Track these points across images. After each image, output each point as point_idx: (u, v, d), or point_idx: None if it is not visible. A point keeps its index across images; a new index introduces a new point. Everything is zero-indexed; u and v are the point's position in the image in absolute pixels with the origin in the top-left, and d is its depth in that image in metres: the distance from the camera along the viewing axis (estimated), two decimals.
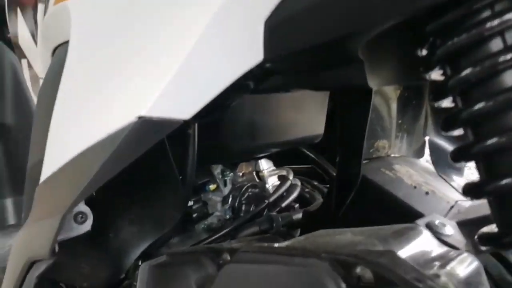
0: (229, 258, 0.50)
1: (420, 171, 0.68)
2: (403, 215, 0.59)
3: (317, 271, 0.37)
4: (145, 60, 0.43)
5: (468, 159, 0.35)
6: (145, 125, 0.42)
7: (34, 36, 0.63)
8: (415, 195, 0.61)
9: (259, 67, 0.41)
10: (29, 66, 0.73)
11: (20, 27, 0.64)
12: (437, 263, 0.43)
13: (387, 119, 0.69)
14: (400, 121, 0.70)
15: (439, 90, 0.37)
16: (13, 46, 0.80)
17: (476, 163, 0.35)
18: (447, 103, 0.38)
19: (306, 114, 0.85)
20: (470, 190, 0.38)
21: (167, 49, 0.41)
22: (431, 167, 0.72)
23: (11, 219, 1.50)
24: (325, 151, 1.33)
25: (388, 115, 0.69)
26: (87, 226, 0.56)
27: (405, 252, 0.43)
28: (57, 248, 0.55)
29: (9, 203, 1.54)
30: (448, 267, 0.42)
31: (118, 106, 0.45)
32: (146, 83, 0.43)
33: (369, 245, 0.43)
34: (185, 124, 0.48)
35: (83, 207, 0.57)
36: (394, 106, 0.69)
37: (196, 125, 0.65)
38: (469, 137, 0.34)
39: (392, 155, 0.70)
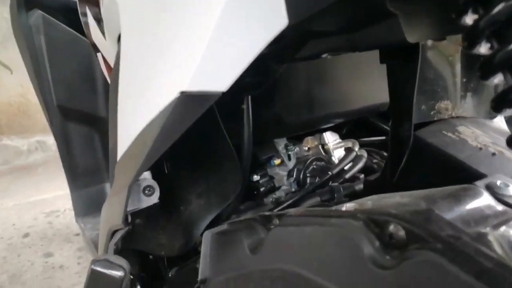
0: (277, 222, 0.51)
1: (490, 131, 0.63)
2: (465, 178, 0.56)
3: (351, 230, 0.37)
4: (181, 40, 0.46)
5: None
6: (187, 99, 0.45)
7: (103, 32, 0.69)
8: (480, 156, 0.56)
9: (287, 31, 0.42)
10: (104, 60, 0.82)
11: (92, 27, 0.72)
12: (490, 223, 0.40)
13: (449, 78, 0.64)
14: (465, 79, 0.65)
15: (487, 66, 0.33)
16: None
17: None
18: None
19: (368, 80, 0.82)
20: None
21: (198, 26, 0.44)
22: (505, 127, 0.66)
23: None
24: None
25: (450, 73, 0.64)
26: (154, 198, 0.62)
27: (452, 211, 0.41)
28: (129, 218, 0.62)
29: (108, 187, 1.72)
30: (503, 228, 0.39)
31: (164, 85, 0.49)
32: (184, 61, 0.45)
33: (414, 206, 0.42)
34: (230, 99, 0.50)
35: (150, 181, 0.63)
36: (456, 62, 0.64)
37: (250, 99, 0.67)
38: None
39: (457, 116, 0.66)
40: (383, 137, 1.25)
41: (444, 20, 0.39)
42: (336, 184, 0.78)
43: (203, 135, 0.67)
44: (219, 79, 0.46)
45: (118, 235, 0.63)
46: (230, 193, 0.70)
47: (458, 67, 0.65)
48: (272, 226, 0.52)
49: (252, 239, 0.53)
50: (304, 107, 0.76)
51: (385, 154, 0.99)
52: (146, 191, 0.61)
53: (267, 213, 0.54)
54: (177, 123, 0.48)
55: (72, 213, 1.65)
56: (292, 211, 0.49)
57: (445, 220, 0.35)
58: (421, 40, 0.42)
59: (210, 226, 0.74)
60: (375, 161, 0.94)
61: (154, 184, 0.62)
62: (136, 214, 0.62)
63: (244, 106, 0.67)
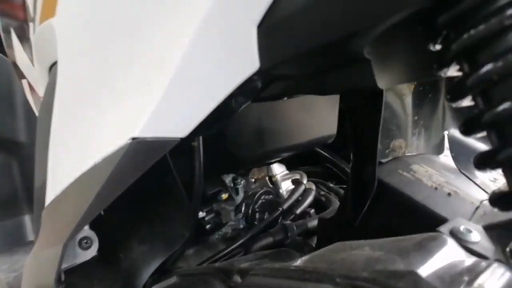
0: (239, 280, 0.47)
1: (441, 169, 0.63)
2: (424, 220, 0.55)
3: None
4: (134, 77, 0.40)
5: (494, 167, 0.31)
6: (139, 146, 0.39)
7: (30, 56, 0.61)
8: (436, 197, 0.57)
9: (257, 75, 0.38)
10: (30, 87, 0.72)
11: (16, 48, 0.63)
12: (466, 278, 0.39)
13: (402, 116, 0.64)
14: (416, 117, 0.66)
15: (457, 89, 0.33)
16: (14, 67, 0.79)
17: (504, 171, 0.31)
18: (466, 102, 0.34)
19: (316, 114, 0.81)
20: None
21: (156, 63, 0.39)
22: (451, 163, 0.68)
23: (30, 236, 1.51)
24: (340, 150, 1.29)
25: (403, 112, 0.65)
26: (92, 251, 0.54)
27: (428, 268, 0.39)
28: (63, 277, 0.53)
29: (27, 220, 1.54)
30: (478, 282, 0.38)
31: (111, 128, 0.42)
32: (137, 102, 0.40)
33: (389, 262, 0.39)
34: (183, 142, 0.45)
35: (87, 231, 0.55)
36: (408, 102, 0.65)
37: (201, 137, 0.62)
38: (494, 142, 0.30)
39: (409, 154, 0.66)
40: (324, 166, 1.26)
41: (420, 69, 0.38)
42: (288, 222, 0.75)
43: (149, 172, 0.61)
44: (179, 124, 0.40)
45: None
46: (178, 237, 0.64)
47: (409, 106, 0.66)
48: (232, 284, 0.47)
49: None
50: (256, 141, 0.73)
51: (331, 185, 0.99)
52: (83, 244, 0.53)
53: (225, 266, 0.49)
54: (127, 172, 0.42)
55: None
56: (255, 267, 0.44)
57: (431, 285, 0.32)
58: (391, 85, 0.41)
59: (153, 274, 0.67)
60: (322, 193, 0.93)
61: (92, 235, 0.54)
62: (70, 270, 0.54)
63: (195, 144, 0.62)
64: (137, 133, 0.39)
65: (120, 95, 0.43)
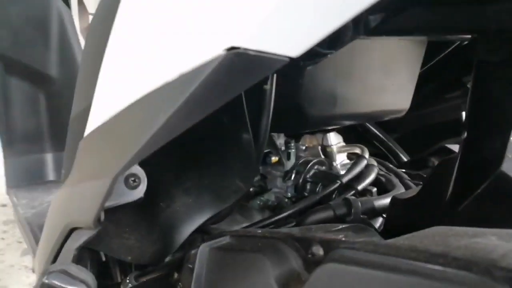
0: (322, 253, 0.38)
1: None
2: None
3: None
4: None
5: None
6: (238, 60, 0.29)
7: None
8: None
9: None
10: (79, 3, 0.63)
11: None
12: None
13: None
14: None
15: None
16: None
17: None
18: None
19: (396, 81, 0.70)
20: None
21: None
22: None
23: (51, 175, 1.45)
24: (393, 130, 1.18)
25: None
26: (139, 192, 0.46)
27: None
28: (102, 217, 0.45)
29: (49, 158, 1.49)
30: None
31: (202, 36, 0.33)
32: (246, 6, 0.30)
33: None
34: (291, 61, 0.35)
35: (136, 168, 0.46)
36: None
37: (275, 80, 0.52)
38: None
39: None
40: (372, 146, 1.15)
41: None
42: (352, 197, 0.65)
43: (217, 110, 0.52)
44: (291, 39, 0.31)
45: (81, 236, 0.46)
46: (232, 193, 0.56)
47: None
48: (310, 256, 0.38)
49: (281, 269, 0.38)
50: (328, 101, 0.63)
51: (390, 166, 0.89)
52: (130, 182, 0.45)
53: (302, 233, 0.40)
54: (214, 94, 0.32)
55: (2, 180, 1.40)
56: (345, 238, 0.35)
57: None
58: None
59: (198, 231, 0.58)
60: (381, 173, 0.83)
61: (141, 173, 0.46)
62: (109, 211, 0.45)
63: (267, 87, 0.52)
64: (237, 42, 0.29)
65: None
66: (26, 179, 1.40)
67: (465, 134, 0.44)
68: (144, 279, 0.66)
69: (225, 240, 0.48)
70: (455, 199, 0.46)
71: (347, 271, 0.32)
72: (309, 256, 0.38)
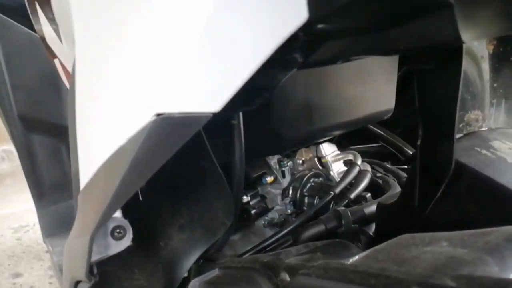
0: (288, 279, 0.40)
1: None
2: (510, 207, 0.45)
3: None
4: (154, 40, 0.33)
5: None
6: (165, 123, 0.32)
7: (58, 34, 0.57)
8: None
9: (304, 31, 0.30)
10: (63, 67, 0.69)
11: (43, 25, 0.59)
12: None
13: (478, 84, 0.54)
14: (495, 85, 0.55)
15: None
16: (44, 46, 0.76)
17: None
18: None
19: (372, 87, 0.71)
20: None
21: (180, 21, 0.32)
22: None
23: None
24: (396, 127, 1.17)
25: (479, 78, 0.54)
26: (126, 241, 0.49)
27: None
28: (95, 270, 0.49)
29: None
30: None
31: (135, 105, 0.36)
32: (162, 70, 0.33)
33: (479, 264, 0.31)
34: (218, 118, 0.38)
35: (120, 220, 0.50)
36: (486, 66, 0.54)
37: (241, 114, 0.55)
38: None
39: (487, 128, 0.56)
40: (376, 145, 1.15)
41: None
42: (342, 208, 0.67)
43: (184, 154, 0.55)
44: (211, 96, 0.34)
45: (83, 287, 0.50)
46: (220, 225, 0.58)
47: (487, 71, 0.55)
48: (279, 283, 0.40)
49: None
50: (303, 119, 0.65)
51: (388, 166, 0.89)
52: (115, 234, 0.49)
53: (272, 262, 0.43)
54: (153, 154, 0.36)
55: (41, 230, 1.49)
56: (307, 264, 0.37)
57: None
58: (478, 38, 0.32)
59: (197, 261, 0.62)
60: (379, 175, 0.84)
61: (126, 224, 0.50)
62: (103, 261, 0.49)
63: (235, 122, 0.55)
64: (161, 109, 0.33)
65: (141, 65, 0.36)
66: (59, 226, 1.48)
67: (419, 141, 0.45)
68: None
69: (214, 273, 0.51)
70: (423, 202, 0.47)
71: None
72: (279, 283, 0.40)
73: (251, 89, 0.40)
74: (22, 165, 1.47)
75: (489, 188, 0.46)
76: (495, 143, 0.52)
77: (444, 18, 0.30)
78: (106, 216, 0.41)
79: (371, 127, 1.07)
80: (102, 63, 0.41)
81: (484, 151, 0.51)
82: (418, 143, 0.46)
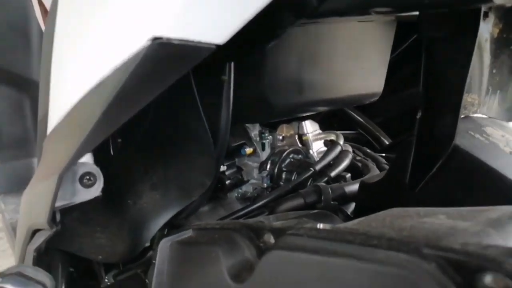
0: (272, 240, 0.37)
1: None
2: (501, 191, 0.45)
3: (418, 275, 0.24)
4: None
5: None
6: (162, 49, 0.29)
7: None
8: None
9: None
10: (39, 3, 0.62)
11: None
12: None
13: (477, 66, 0.53)
14: (494, 71, 0.54)
15: None
16: None
17: None
18: None
19: (365, 66, 0.70)
20: None
21: None
22: None
23: None
24: (376, 115, 1.17)
25: (479, 61, 0.53)
26: (95, 190, 0.45)
27: None
28: (58, 216, 0.45)
29: (37, 162, 1.48)
30: None
31: (126, 30, 0.32)
32: None
33: (483, 235, 0.30)
34: (217, 57, 0.35)
35: (91, 166, 0.46)
36: (487, 50, 0.53)
37: (233, 69, 0.52)
38: None
39: (481, 115, 0.55)
40: (354, 131, 1.15)
41: None
42: (323, 184, 0.65)
43: (169, 106, 0.51)
44: (215, 25, 0.30)
45: (40, 237, 0.46)
46: (197, 187, 0.55)
47: (487, 55, 0.54)
48: (262, 245, 0.38)
49: (234, 259, 0.38)
50: (293, 88, 0.63)
51: (368, 151, 0.88)
52: (85, 180, 0.44)
53: (254, 223, 0.40)
54: (143, 86, 0.32)
55: None
56: (293, 225, 0.35)
57: None
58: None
59: (163, 228, 0.58)
60: (358, 158, 0.83)
61: (97, 171, 0.45)
62: (67, 210, 0.45)
63: (225, 78, 0.52)
64: (160, 32, 0.29)
65: None
66: (15, 184, 1.40)
67: (419, 114, 0.44)
68: (121, 277, 0.67)
69: (186, 233, 0.47)
70: (414, 180, 0.46)
71: (291, 257, 0.32)
72: (261, 244, 0.38)
73: (255, 31, 0.36)
74: None
75: (481, 171, 0.46)
76: (488, 129, 0.52)
77: None
78: (80, 153, 0.37)
79: (352, 112, 1.07)
80: None
81: (477, 136, 0.50)
82: (418, 116, 0.44)
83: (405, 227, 0.33)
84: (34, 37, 1.36)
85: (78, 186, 0.44)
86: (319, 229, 0.32)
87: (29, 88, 1.44)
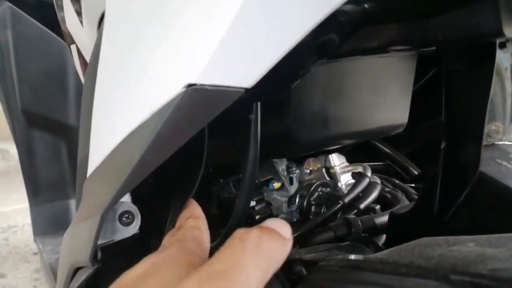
0: (305, 272, 0.38)
1: None
2: None
3: None
4: (189, 17, 0.33)
5: None
6: (197, 95, 0.31)
7: (81, 19, 0.56)
8: None
9: (349, 11, 0.30)
10: (79, 53, 0.68)
11: (65, 6, 0.58)
12: None
13: (500, 94, 0.53)
14: None
15: None
16: (62, 33, 0.76)
17: None
18: None
19: (388, 98, 0.71)
20: None
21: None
22: None
23: None
24: (403, 146, 1.17)
25: (500, 89, 0.54)
26: (133, 228, 0.48)
27: None
28: (99, 254, 0.47)
29: (73, 204, 1.54)
30: None
31: (163, 79, 0.35)
32: (195, 46, 0.32)
33: None
34: (247, 100, 0.37)
35: (129, 205, 0.48)
36: (508, 78, 0.54)
37: (259, 109, 0.54)
38: None
39: (507, 142, 0.55)
40: (382, 163, 1.15)
41: None
42: (352, 216, 0.66)
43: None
44: (242, 70, 0.33)
45: (82, 275, 0.48)
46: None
47: (509, 81, 0.55)
48: (294, 277, 0.39)
49: None
50: (319, 123, 0.64)
51: (397, 181, 0.88)
52: (124, 219, 0.47)
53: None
54: (180, 129, 0.35)
55: (32, 229, 1.46)
56: (324, 257, 0.36)
57: None
58: None
59: None
60: (387, 189, 0.83)
61: (134, 210, 0.48)
62: (107, 248, 0.47)
63: (253, 116, 0.54)
64: (194, 79, 0.32)
65: (175, 40, 0.35)
66: (52, 226, 1.45)
67: (443, 144, 0.45)
68: None
69: None
70: (442, 209, 0.46)
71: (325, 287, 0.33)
72: (294, 277, 0.39)
73: (281, 71, 0.39)
74: (20, 160, 1.45)
75: (509, 197, 0.46)
76: None
77: (487, 8, 0.30)
78: (120, 194, 0.39)
79: (378, 144, 1.07)
80: (133, 37, 0.40)
81: (504, 163, 0.50)
82: (442, 146, 0.45)
83: (434, 255, 0.33)
84: (71, 85, 1.45)
85: (118, 224, 0.47)
86: (349, 259, 0.33)
87: (65, 133, 1.52)
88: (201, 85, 0.31)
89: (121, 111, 0.43)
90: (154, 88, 0.36)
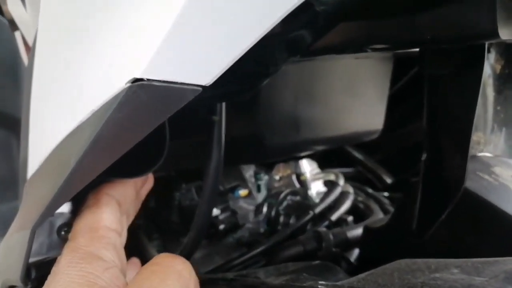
0: None
1: None
2: None
3: None
4: (135, 2, 0.27)
5: None
6: (142, 93, 0.26)
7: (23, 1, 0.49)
8: None
9: (325, 1, 0.25)
10: (24, 41, 0.60)
11: None
12: None
13: (481, 102, 0.50)
14: (498, 107, 0.52)
15: None
16: (5, 17, 0.68)
17: None
18: None
19: (364, 102, 0.67)
20: None
21: None
22: None
23: None
24: (375, 152, 1.14)
25: (482, 96, 0.51)
26: None
27: None
28: (33, 273, 0.40)
29: None
30: None
31: (105, 72, 0.30)
32: (140, 34, 0.27)
33: None
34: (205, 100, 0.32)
35: (69, 217, 0.42)
36: (490, 86, 0.51)
37: (224, 110, 0.49)
38: None
39: (487, 154, 0.52)
40: (353, 169, 1.11)
41: None
42: (323, 229, 0.61)
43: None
44: (199, 66, 0.27)
45: None
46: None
47: (491, 91, 0.52)
48: None
49: None
50: (290, 127, 0.60)
51: (370, 191, 0.85)
52: (63, 233, 0.40)
53: (250, 281, 0.36)
54: (124, 129, 0.29)
55: None
56: (296, 284, 0.31)
57: None
58: None
59: None
60: (360, 199, 0.79)
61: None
62: (44, 265, 0.41)
63: (216, 118, 0.49)
64: (139, 73, 0.26)
65: (118, 28, 0.30)
66: (1, 228, 1.34)
67: (424, 155, 0.41)
68: None
69: None
70: (421, 227, 0.42)
71: None
72: None
73: (246, 71, 0.34)
74: None
75: (491, 214, 0.42)
76: (497, 169, 0.49)
77: (483, 6, 0.26)
78: (53, 206, 0.33)
79: (351, 150, 1.04)
80: (72, 24, 0.34)
81: (486, 176, 0.46)
82: (423, 158, 0.41)
83: (415, 284, 0.29)
84: (22, 75, 1.35)
85: (55, 238, 0.40)
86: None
87: (17, 128, 1.41)
88: (148, 80, 0.26)
89: (60, 108, 0.36)
90: (95, 83, 0.30)
